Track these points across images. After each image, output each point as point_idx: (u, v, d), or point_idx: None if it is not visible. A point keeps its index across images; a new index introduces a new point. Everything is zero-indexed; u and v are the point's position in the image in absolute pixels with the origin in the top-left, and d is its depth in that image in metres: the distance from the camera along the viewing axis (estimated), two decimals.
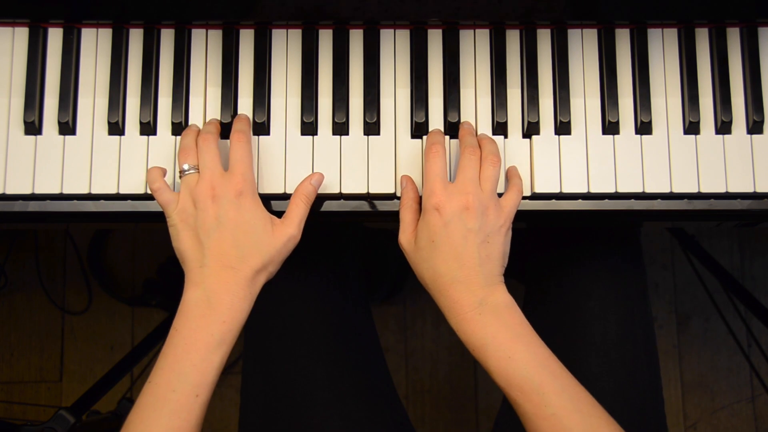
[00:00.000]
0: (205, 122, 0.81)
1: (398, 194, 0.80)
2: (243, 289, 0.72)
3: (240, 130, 0.77)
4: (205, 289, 0.72)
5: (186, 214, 0.74)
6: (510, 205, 0.76)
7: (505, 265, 0.75)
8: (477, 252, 0.72)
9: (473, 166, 0.75)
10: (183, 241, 0.74)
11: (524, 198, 0.81)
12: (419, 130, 0.81)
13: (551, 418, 0.67)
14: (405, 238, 0.77)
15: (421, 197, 0.77)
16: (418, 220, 0.76)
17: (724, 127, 0.81)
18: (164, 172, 0.78)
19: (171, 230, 0.75)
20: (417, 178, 0.80)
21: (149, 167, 0.79)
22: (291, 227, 0.76)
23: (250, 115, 0.81)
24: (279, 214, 0.77)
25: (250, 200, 0.74)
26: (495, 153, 0.77)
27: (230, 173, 0.75)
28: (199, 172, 0.75)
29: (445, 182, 0.74)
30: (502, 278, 0.74)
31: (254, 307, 0.83)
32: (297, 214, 0.76)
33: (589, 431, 0.66)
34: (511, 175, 0.80)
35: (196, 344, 0.70)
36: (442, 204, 0.73)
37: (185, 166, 0.76)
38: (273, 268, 0.76)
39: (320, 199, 0.81)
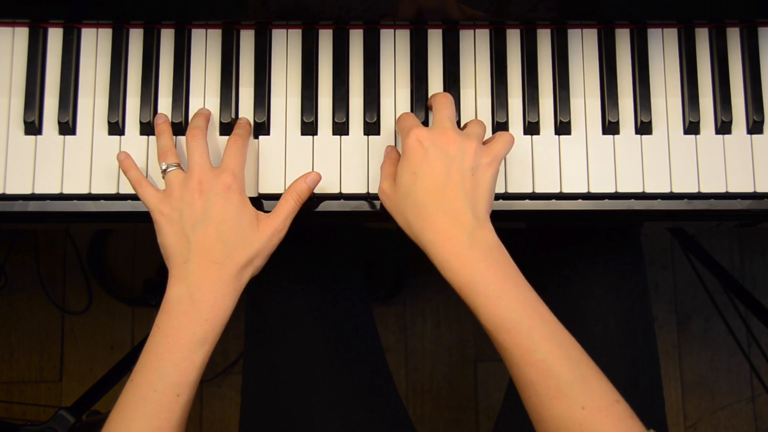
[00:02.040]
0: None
1: None
2: (227, 286, 0.72)
3: (239, 134, 0.78)
4: (188, 285, 0.71)
5: (171, 209, 0.74)
6: (497, 147, 0.73)
7: (491, 206, 0.72)
8: (461, 182, 0.70)
9: (448, 106, 0.74)
10: (167, 236, 0.74)
11: (524, 198, 0.81)
12: None
13: (540, 364, 0.64)
14: (386, 183, 0.75)
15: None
16: (394, 171, 0.75)
17: (724, 127, 0.81)
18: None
19: (155, 226, 0.75)
20: None
21: (119, 156, 0.78)
22: (276, 221, 0.75)
23: (250, 116, 0.81)
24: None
25: (238, 196, 0.74)
26: (480, 119, 0.77)
27: (221, 169, 0.75)
28: (180, 168, 0.76)
29: (420, 124, 0.74)
30: (488, 218, 0.71)
31: (254, 306, 0.83)
32: (284, 210, 0.76)
33: (578, 379, 0.63)
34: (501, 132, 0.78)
35: (178, 343, 0.69)
36: (422, 135, 0.71)
37: (163, 165, 0.76)
38: (259, 263, 0.75)
39: (320, 199, 0.81)
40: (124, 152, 0.79)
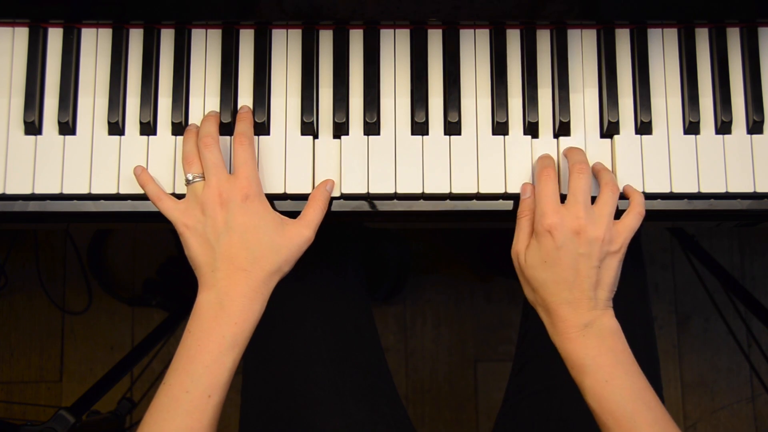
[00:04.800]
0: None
1: (397, 192, 0.80)
2: (255, 291, 0.73)
3: (242, 132, 0.78)
4: (217, 291, 0.72)
5: (194, 221, 0.74)
6: (626, 230, 0.75)
7: (615, 291, 0.75)
8: (587, 276, 0.72)
9: (584, 190, 0.74)
10: (193, 247, 0.74)
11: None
12: (419, 130, 0.81)
13: None
14: (520, 248, 0.77)
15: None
16: (532, 230, 0.76)
17: (724, 127, 0.81)
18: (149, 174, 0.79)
19: (181, 237, 0.76)
20: (416, 174, 0.80)
21: (136, 171, 0.79)
22: (307, 230, 0.76)
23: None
24: (281, 214, 0.78)
25: (257, 203, 0.75)
26: (614, 182, 0.77)
27: (235, 177, 0.75)
28: (204, 178, 0.76)
29: (557, 204, 0.74)
30: (610, 303, 0.74)
31: (262, 313, 0.83)
32: (314, 218, 0.77)
33: None
34: (629, 193, 0.78)
35: (208, 346, 0.71)
36: (554, 226, 0.73)
37: (189, 176, 0.76)
38: (287, 268, 0.76)
39: None
40: (141, 166, 0.79)
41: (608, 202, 0.75)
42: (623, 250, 0.75)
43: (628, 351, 0.73)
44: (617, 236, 0.74)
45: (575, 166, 0.76)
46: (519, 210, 0.78)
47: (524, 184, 0.79)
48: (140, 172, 0.79)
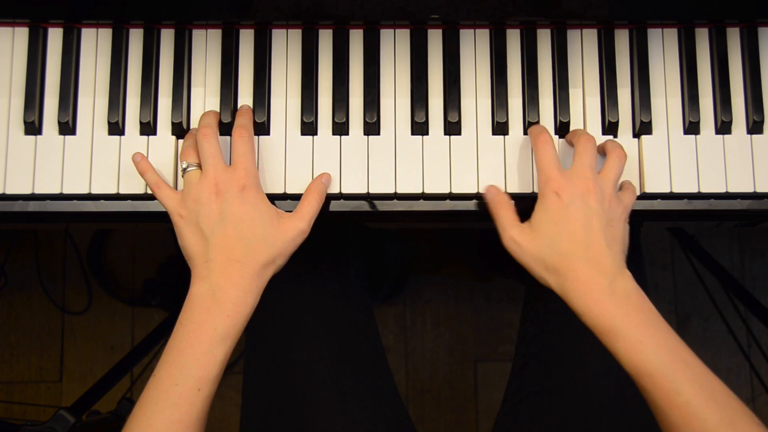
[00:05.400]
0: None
1: (397, 192, 0.80)
2: (249, 283, 0.72)
3: (241, 125, 0.77)
4: (210, 283, 0.72)
5: (188, 211, 0.74)
6: (627, 200, 0.75)
7: (626, 253, 0.74)
8: (603, 232, 0.71)
9: (590, 153, 0.74)
10: (186, 237, 0.74)
11: (524, 198, 0.81)
12: (419, 130, 0.81)
13: (684, 407, 0.64)
14: (515, 231, 0.74)
15: (508, 194, 0.78)
16: (516, 214, 0.75)
17: (724, 127, 0.81)
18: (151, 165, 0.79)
19: (175, 228, 0.75)
20: (417, 174, 0.80)
21: (135, 158, 0.78)
22: (302, 222, 0.75)
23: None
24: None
25: (254, 194, 0.74)
26: (621, 148, 0.76)
27: (233, 168, 0.75)
28: (200, 168, 0.75)
29: (560, 168, 0.73)
30: (625, 265, 0.73)
31: (256, 306, 0.83)
32: (309, 210, 0.76)
33: (725, 421, 0.63)
34: (622, 184, 0.79)
35: (199, 338, 0.70)
36: (561, 187, 0.72)
37: (184, 164, 0.76)
38: (281, 261, 0.75)
39: None
40: (140, 153, 0.79)
41: (614, 168, 0.74)
42: (626, 216, 0.75)
43: (654, 310, 0.70)
44: (621, 203, 0.74)
45: (581, 136, 0.75)
46: (489, 203, 0.77)
47: (487, 186, 0.78)
48: (140, 160, 0.78)
